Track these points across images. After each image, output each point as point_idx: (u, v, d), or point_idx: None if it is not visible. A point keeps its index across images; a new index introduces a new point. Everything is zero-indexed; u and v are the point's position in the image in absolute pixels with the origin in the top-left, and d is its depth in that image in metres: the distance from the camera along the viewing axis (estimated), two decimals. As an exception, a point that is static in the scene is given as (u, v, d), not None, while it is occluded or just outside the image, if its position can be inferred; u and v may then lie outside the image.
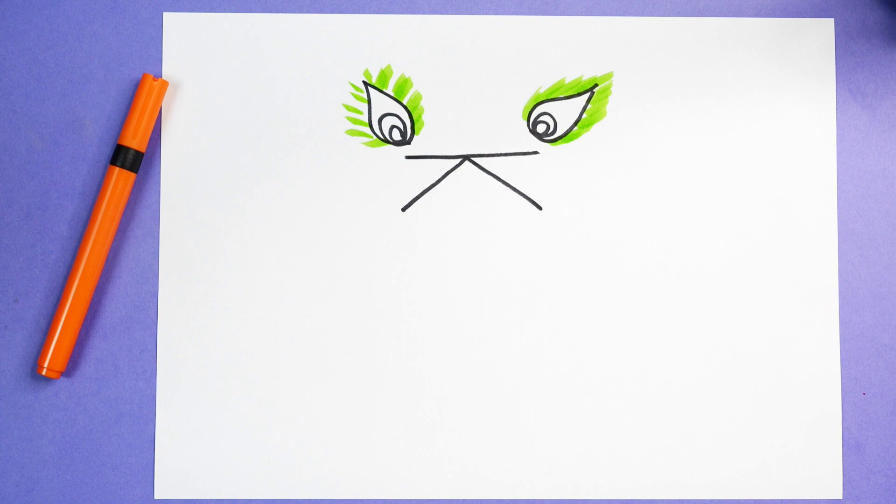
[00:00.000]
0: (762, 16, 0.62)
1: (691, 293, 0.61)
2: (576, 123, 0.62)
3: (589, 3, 0.62)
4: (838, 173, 0.62)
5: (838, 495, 0.61)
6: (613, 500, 0.61)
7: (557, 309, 0.61)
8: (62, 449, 0.61)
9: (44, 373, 0.60)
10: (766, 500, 0.61)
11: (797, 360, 0.61)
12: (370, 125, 0.62)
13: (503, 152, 0.62)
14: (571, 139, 0.62)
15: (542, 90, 0.62)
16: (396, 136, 0.62)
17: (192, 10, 0.62)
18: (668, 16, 0.62)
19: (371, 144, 0.62)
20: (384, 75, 0.62)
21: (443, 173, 0.62)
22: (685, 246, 0.62)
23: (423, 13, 0.62)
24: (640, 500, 0.61)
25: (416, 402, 0.61)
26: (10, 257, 0.61)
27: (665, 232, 0.62)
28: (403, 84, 0.62)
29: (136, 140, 0.60)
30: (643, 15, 0.62)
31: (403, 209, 0.62)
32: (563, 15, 0.62)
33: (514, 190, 0.62)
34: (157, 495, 0.61)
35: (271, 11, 0.62)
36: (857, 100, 0.62)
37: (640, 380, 0.61)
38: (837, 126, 0.62)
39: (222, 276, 0.61)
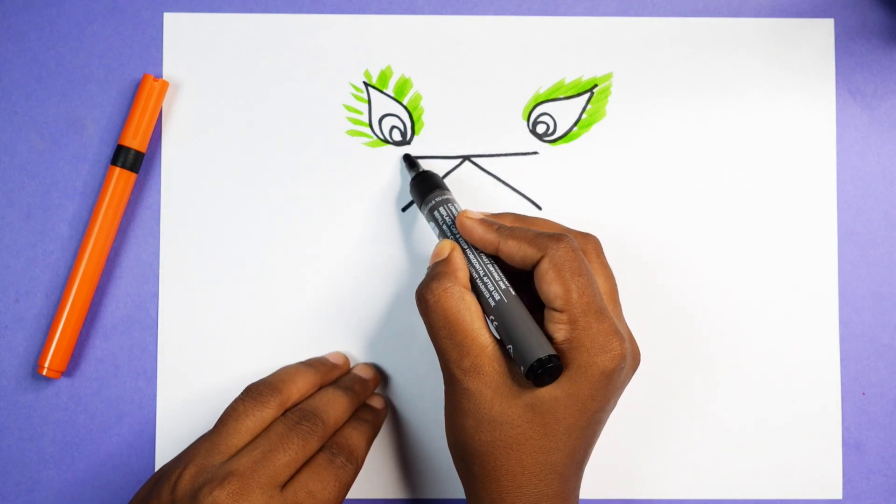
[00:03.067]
0: (762, 16, 0.62)
1: (691, 293, 0.61)
2: (576, 124, 0.62)
3: (589, 3, 0.62)
4: (838, 173, 0.62)
5: (838, 495, 0.61)
6: (614, 500, 0.61)
7: (557, 309, 0.61)
8: (62, 449, 0.61)
9: (44, 373, 0.60)
10: (766, 500, 0.61)
11: (797, 360, 0.61)
12: (370, 125, 0.62)
13: (503, 152, 0.62)
14: (571, 139, 0.62)
15: (542, 90, 0.62)
16: (396, 136, 0.62)
17: (193, 11, 0.62)
18: (668, 16, 0.62)
19: (371, 144, 0.62)
20: (384, 76, 0.62)
21: (443, 173, 0.62)
22: (685, 246, 0.62)
23: (423, 13, 0.62)
24: (640, 500, 0.61)
25: (416, 401, 0.61)
26: (10, 257, 0.61)
27: (665, 232, 0.62)
28: (403, 84, 0.62)
29: (136, 140, 0.60)
30: (643, 15, 0.62)
31: (403, 209, 0.62)
32: (563, 15, 0.62)
33: (514, 190, 0.62)
34: (158, 495, 0.61)
35: (271, 11, 0.62)
36: (856, 100, 0.62)
37: (640, 380, 0.61)
38: (837, 126, 0.62)
39: (222, 276, 0.61)
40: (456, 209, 0.56)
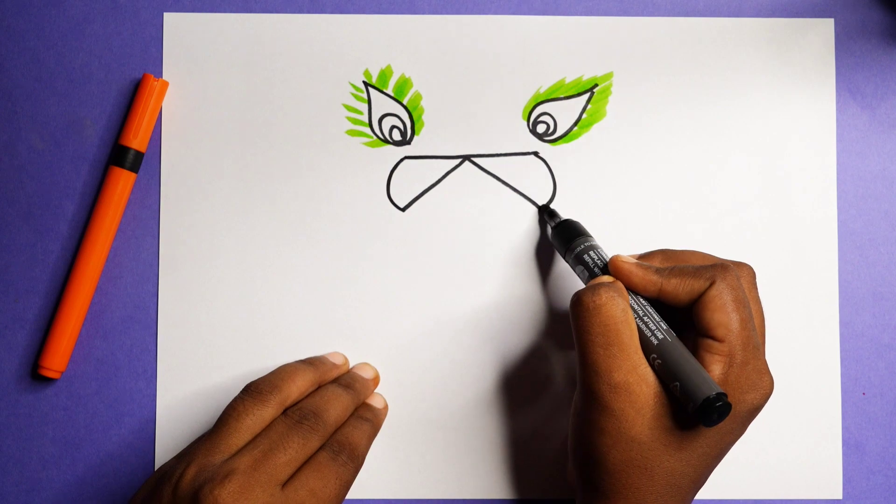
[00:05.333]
0: (762, 16, 0.62)
1: (691, 293, 0.61)
2: (576, 123, 0.62)
3: (589, 3, 0.62)
4: (838, 173, 0.62)
5: (838, 495, 0.61)
6: (613, 500, 0.61)
7: (559, 308, 0.61)
8: (62, 449, 0.61)
9: (44, 373, 0.60)
10: (766, 500, 0.61)
11: (797, 360, 0.61)
12: (370, 125, 0.62)
13: (503, 152, 0.62)
14: (571, 139, 0.62)
15: (542, 90, 0.62)
16: (396, 136, 0.62)
17: (192, 10, 0.62)
18: (668, 16, 0.62)
19: (371, 144, 0.62)
20: (384, 75, 0.62)
21: (443, 173, 0.62)
22: (685, 246, 0.61)
23: (423, 13, 0.62)
24: (640, 500, 0.61)
25: (415, 401, 0.61)
26: (10, 257, 0.61)
27: (665, 232, 0.62)
28: (403, 84, 0.62)
29: (136, 140, 0.60)
30: (643, 15, 0.62)
31: (403, 209, 0.62)
32: (563, 15, 0.62)
33: (514, 190, 0.62)
34: (158, 495, 0.61)
35: (271, 11, 0.62)
36: (856, 100, 0.62)
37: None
38: (837, 126, 0.62)
39: (222, 276, 0.61)
40: (605, 254, 0.56)
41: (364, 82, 0.62)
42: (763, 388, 0.51)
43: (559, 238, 0.58)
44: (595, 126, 0.62)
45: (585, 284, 0.55)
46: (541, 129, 0.62)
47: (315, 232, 0.61)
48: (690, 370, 0.50)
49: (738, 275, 0.52)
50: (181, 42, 0.62)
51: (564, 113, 0.62)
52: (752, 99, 0.62)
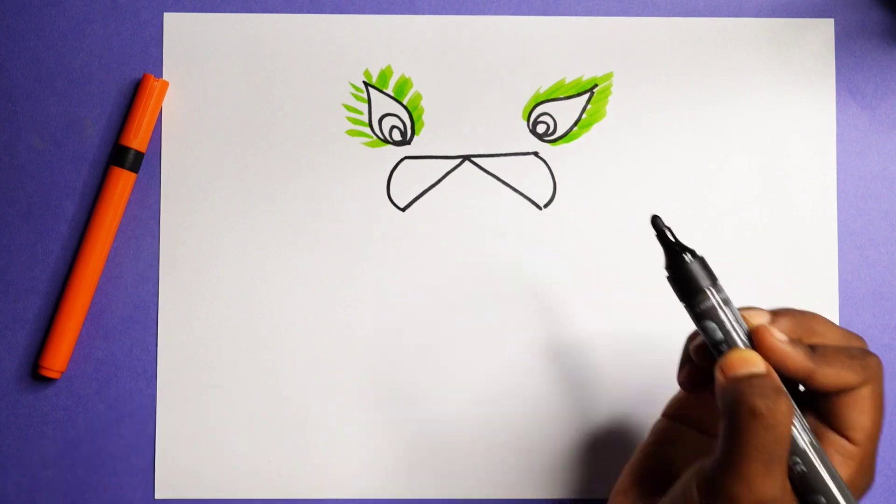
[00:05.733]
0: (762, 16, 0.62)
1: (691, 293, 0.61)
2: (576, 123, 0.62)
3: (589, 3, 0.62)
4: (838, 173, 0.62)
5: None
6: (613, 501, 0.61)
7: (558, 308, 0.61)
8: (62, 449, 0.61)
9: (44, 373, 0.60)
10: (766, 501, 0.61)
11: (797, 360, 0.61)
12: (370, 125, 0.62)
13: (503, 152, 0.62)
14: (571, 139, 0.62)
15: (542, 90, 0.62)
16: (396, 136, 0.62)
17: (193, 10, 0.62)
18: (668, 16, 0.62)
19: (371, 144, 0.62)
20: (384, 75, 0.62)
21: (443, 173, 0.62)
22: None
23: (423, 13, 0.62)
24: (640, 501, 0.61)
25: (415, 401, 0.61)
26: (10, 257, 0.61)
27: (665, 232, 0.62)
28: (403, 84, 0.62)
29: (136, 140, 0.60)
30: (643, 15, 0.62)
31: (403, 209, 0.62)
32: (563, 15, 0.62)
33: (515, 190, 0.62)
34: (158, 495, 0.61)
35: (271, 11, 0.62)
36: (856, 100, 0.62)
37: (642, 377, 0.61)
38: (837, 126, 0.62)
39: (222, 276, 0.61)
40: (737, 313, 0.47)
41: (364, 82, 0.62)
42: (869, 485, 0.47)
43: (686, 278, 0.47)
44: (595, 126, 0.62)
45: (713, 344, 0.47)
46: (541, 129, 0.62)
47: (315, 232, 0.61)
48: (839, 489, 0.45)
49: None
50: (181, 42, 0.62)
51: (564, 113, 0.62)
52: (752, 99, 0.62)
